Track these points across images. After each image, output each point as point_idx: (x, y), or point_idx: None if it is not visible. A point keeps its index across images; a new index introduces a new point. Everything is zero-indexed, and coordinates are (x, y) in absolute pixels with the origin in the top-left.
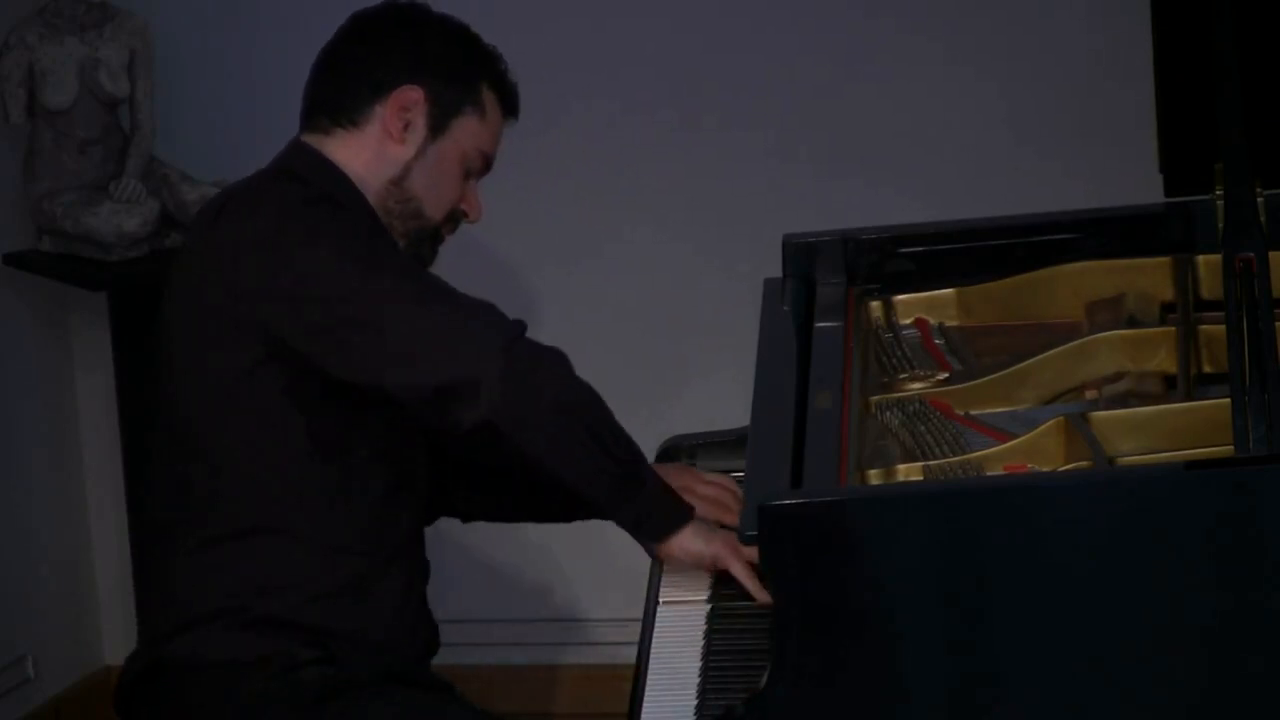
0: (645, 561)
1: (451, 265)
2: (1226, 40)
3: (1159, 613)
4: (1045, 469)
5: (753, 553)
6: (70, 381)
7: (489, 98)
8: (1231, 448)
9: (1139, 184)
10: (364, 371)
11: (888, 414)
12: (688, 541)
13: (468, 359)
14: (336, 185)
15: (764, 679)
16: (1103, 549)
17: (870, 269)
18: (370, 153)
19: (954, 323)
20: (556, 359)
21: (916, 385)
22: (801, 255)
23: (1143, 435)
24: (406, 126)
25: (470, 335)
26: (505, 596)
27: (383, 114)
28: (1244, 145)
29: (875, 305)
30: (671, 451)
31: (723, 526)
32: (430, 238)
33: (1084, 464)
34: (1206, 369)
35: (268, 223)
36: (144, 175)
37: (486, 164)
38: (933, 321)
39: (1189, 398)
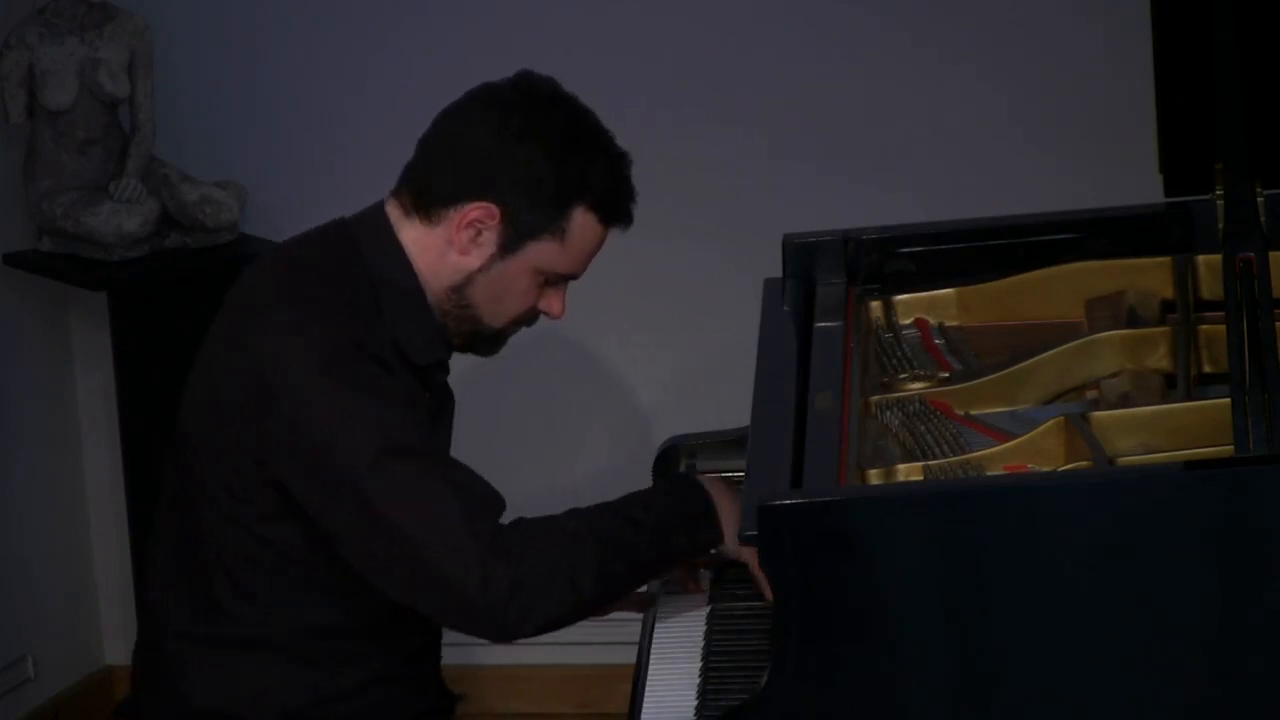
0: None
1: None
2: (1226, 40)
3: (1159, 613)
4: (1045, 469)
5: None
6: (70, 381)
7: (582, 220)
8: (1231, 448)
9: (1139, 184)
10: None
11: (888, 414)
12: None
13: (465, 616)
14: (398, 275)
15: (764, 679)
16: (1103, 549)
17: (870, 269)
18: (435, 253)
19: (954, 323)
20: (537, 562)
21: (916, 385)
22: (801, 255)
23: (1143, 435)
24: (476, 238)
25: (459, 591)
26: None
27: (454, 221)
28: (1244, 145)
29: (875, 305)
30: (671, 452)
31: None
32: (489, 339)
33: (1084, 464)
34: (1206, 369)
35: (309, 374)
36: (144, 175)
37: (573, 275)
38: (933, 321)
39: (1189, 397)
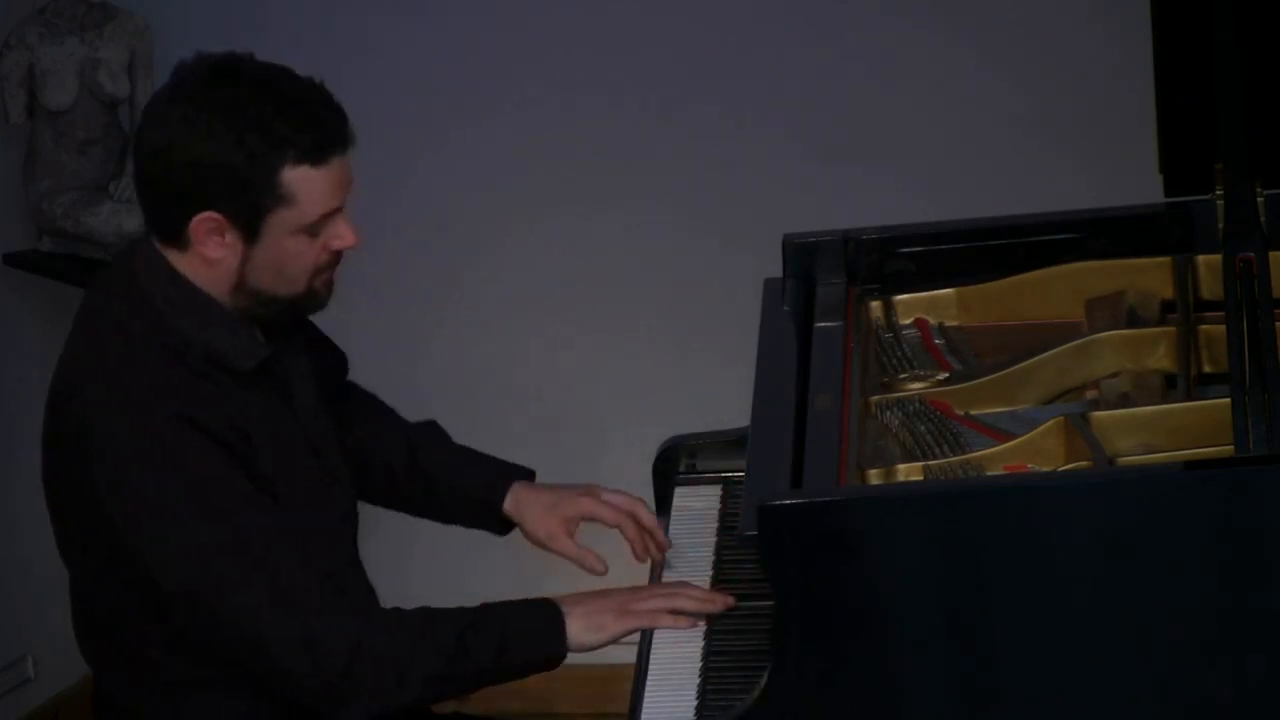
0: (645, 564)
1: (451, 261)
2: (1226, 40)
3: (1159, 612)
4: (1045, 469)
5: (653, 591)
6: None
7: (295, 177)
8: (1231, 448)
9: (1139, 184)
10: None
11: (888, 414)
12: (584, 638)
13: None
14: (189, 302)
15: (764, 679)
16: (1103, 549)
17: (870, 269)
18: (204, 269)
19: (954, 323)
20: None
21: (916, 385)
22: (802, 255)
23: (1143, 435)
24: (221, 241)
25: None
26: (504, 596)
27: (193, 239)
28: (1244, 145)
29: (875, 305)
30: (671, 452)
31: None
32: (304, 300)
33: (1084, 464)
34: (1206, 369)
35: (124, 461)
36: None
37: (334, 211)
38: (933, 321)
39: (1189, 397)
